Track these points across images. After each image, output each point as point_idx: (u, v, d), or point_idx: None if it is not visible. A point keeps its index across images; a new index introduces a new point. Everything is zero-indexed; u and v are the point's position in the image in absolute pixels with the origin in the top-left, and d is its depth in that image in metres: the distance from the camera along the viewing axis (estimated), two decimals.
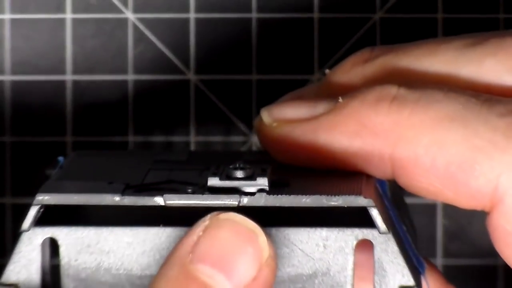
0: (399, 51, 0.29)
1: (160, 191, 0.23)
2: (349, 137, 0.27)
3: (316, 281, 0.24)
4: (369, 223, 0.24)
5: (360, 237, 0.24)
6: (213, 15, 0.40)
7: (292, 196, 0.23)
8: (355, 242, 0.24)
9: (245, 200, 0.23)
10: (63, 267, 0.24)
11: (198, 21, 0.40)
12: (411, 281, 0.24)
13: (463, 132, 0.25)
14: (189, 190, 0.24)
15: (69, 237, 0.24)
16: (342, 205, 0.23)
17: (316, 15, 0.40)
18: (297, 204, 0.23)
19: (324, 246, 0.24)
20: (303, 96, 0.30)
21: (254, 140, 0.39)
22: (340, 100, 0.27)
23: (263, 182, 0.24)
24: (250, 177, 0.24)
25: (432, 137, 0.25)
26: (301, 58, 0.40)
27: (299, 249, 0.24)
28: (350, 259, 0.24)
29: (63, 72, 0.39)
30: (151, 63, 0.40)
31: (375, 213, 0.23)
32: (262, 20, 0.40)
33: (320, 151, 0.27)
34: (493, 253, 0.40)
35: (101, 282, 0.24)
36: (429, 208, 0.40)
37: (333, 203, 0.23)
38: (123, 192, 0.23)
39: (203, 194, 0.24)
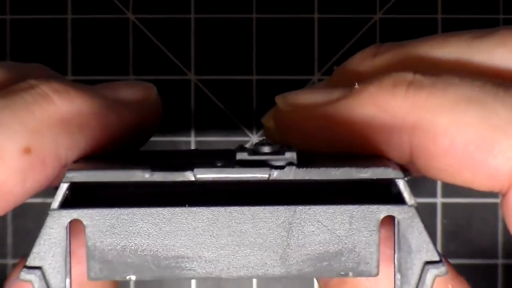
0: (408, 45, 0.29)
1: (190, 166, 0.23)
2: (367, 120, 0.27)
3: (342, 259, 0.23)
4: (393, 201, 0.24)
5: (386, 213, 0.23)
6: (213, 15, 0.40)
7: (321, 169, 0.23)
8: (380, 218, 0.23)
9: (275, 173, 0.23)
10: (88, 249, 0.24)
11: (199, 21, 0.40)
12: (436, 257, 0.23)
13: (481, 113, 0.25)
14: (219, 165, 0.24)
15: (95, 219, 0.23)
16: (371, 177, 0.23)
17: (316, 15, 0.40)
18: (326, 177, 0.23)
19: (350, 223, 0.23)
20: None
21: (254, 140, 0.40)
22: (356, 86, 0.28)
23: (291, 156, 0.24)
24: (278, 152, 0.24)
25: (451, 118, 0.26)
26: (301, 58, 0.40)
27: (325, 226, 0.23)
28: (376, 235, 0.23)
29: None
30: (151, 63, 0.40)
31: (402, 185, 0.23)
32: (262, 20, 0.41)
33: (337, 135, 0.27)
34: (492, 253, 0.40)
35: (126, 263, 0.24)
36: (429, 208, 0.40)
37: (362, 175, 0.23)
38: (152, 169, 0.23)
39: (233, 167, 0.23)
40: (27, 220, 0.41)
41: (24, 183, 0.26)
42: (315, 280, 0.41)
